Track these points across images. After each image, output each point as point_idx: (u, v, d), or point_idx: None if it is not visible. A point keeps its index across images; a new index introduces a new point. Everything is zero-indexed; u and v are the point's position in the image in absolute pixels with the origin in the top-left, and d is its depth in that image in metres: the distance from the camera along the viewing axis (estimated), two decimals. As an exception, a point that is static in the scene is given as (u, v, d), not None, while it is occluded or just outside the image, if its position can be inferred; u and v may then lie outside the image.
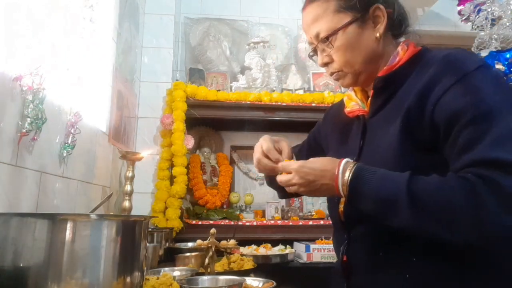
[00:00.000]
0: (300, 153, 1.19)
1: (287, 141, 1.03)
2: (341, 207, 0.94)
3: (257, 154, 0.99)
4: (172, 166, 2.26)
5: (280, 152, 0.99)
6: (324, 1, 0.90)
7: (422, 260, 0.80)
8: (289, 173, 0.85)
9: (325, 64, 0.94)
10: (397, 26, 0.93)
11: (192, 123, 2.46)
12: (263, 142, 0.99)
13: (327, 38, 0.89)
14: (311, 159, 0.84)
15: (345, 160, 0.81)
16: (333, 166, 0.80)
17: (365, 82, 0.94)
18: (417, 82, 0.82)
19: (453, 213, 0.69)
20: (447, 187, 0.70)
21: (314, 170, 0.81)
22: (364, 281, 0.88)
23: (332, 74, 0.95)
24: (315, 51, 0.96)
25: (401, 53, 0.88)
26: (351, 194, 0.78)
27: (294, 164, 0.84)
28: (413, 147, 0.80)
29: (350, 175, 0.78)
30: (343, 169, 0.79)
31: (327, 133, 1.12)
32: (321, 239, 2.07)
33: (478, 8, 1.76)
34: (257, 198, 2.57)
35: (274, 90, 2.50)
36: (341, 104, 1.08)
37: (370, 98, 0.93)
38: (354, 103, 0.97)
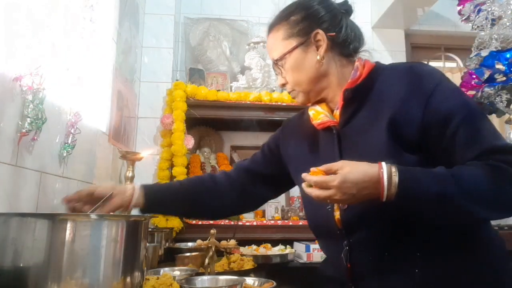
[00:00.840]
0: (254, 164, 1.24)
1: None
2: (337, 214, 0.95)
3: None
4: (172, 166, 2.26)
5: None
6: (276, 31, 1.04)
7: (427, 254, 0.87)
8: (327, 187, 0.81)
9: (283, 85, 1.06)
10: (344, 46, 1.01)
11: (192, 123, 2.46)
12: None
13: (278, 61, 1.02)
14: (349, 169, 0.81)
15: (384, 165, 0.80)
16: (374, 174, 0.80)
17: (315, 97, 1.04)
18: (392, 92, 0.91)
19: (499, 193, 0.79)
20: (477, 174, 0.79)
21: (357, 184, 0.80)
22: (376, 283, 0.92)
23: (289, 93, 1.07)
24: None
25: (360, 68, 0.98)
26: (402, 194, 0.79)
27: (335, 180, 0.80)
28: (401, 148, 0.87)
29: (397, 178, 0.79)
30: (388, 171, 0.79)
31: (288, 145, 1.16)
32: (321, 239, 2.07)
33: (478, 8, 1.76)
34: (257, 198, 2.57)
35: (274, 90, 2.50)
36: (301, 117, 1.17)
37: (339, 109, 0.99)
38: (323, 115, 1.02)
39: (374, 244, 0.91)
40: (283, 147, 1.18)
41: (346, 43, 1.02)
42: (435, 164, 0.84)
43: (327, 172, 0.82)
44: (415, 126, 0.87)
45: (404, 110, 0.88)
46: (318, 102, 1.05)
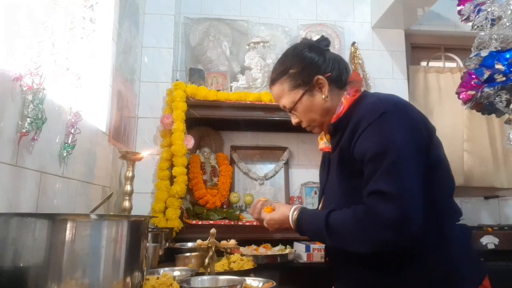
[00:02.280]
0: None
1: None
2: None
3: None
4: (172, 166, 2.25)
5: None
6: (280, 84, 1.21)
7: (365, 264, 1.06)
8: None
9: (297, 123, 1.26)
10: (339, 81, 1.18)
11: (192, 123, 2.46)
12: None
13: (290, 109, 1.22)
14: (275, 211, 1.21)
15: (293, 208, 1.16)
16: (286, 215, 1.16)
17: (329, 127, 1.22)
18: (350, 131, 1.08)
19: (352, 234, 0.99)
20: (347, 218, 1.00)
21: (278, 221, 1.19)
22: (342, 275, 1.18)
23: (305, 128, 1.26)
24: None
25: (344, 102, 1.14)
26: (298, 230, 1.14)
27: (265, 219, 1.22)
28: (348, 174, 1.08)
29: (295, 218, 1.13)
30: (291, 215, 1.14)
31: None
32: (321, 239, 2.07)
33: (478, 8, 1.75)
34: (257, 198, 2.56)
35: (274, 90, 2.49)
36: None
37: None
38: (323, 142, 1.25)
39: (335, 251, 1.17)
40: None
41: (340, 78, 1.18)
42: None
43: (272, 208, 1.23)
44: (349, 158, 1.06)
45: (348, 145, 1.06)
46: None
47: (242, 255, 1.54)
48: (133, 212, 1.52)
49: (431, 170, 1.02)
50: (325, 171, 1.23)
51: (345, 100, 1.14)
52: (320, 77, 1.15)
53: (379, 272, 1.03)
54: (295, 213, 1.13)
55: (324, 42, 1.23)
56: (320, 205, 1.22)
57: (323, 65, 1.17)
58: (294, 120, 1.25)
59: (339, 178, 1.11)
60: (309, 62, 1.17)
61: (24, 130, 1.08)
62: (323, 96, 1.16)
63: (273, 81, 1.24)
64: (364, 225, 0.96)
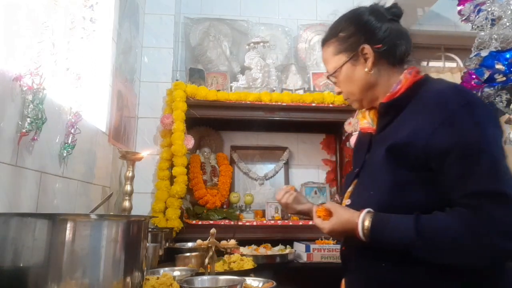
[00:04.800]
0: None
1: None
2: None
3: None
4: (172, 166, 2.25)
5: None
6: (327, 46, 1.12)
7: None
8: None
9: (339, 93, 1.15)
10: (391, 56, 1.05)
11: (192, 123, 2.46)
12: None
13: (331, 75, 1.12)
14: (335, 220, 0.99)
15: (362, 214, 0.94)
16: (353, 221, 0.95)
17: (369, 105, 1.11)
18: (412, 116, 0.96)
19: (455, 244, 0.84)
20: (448, 223, 0.85)
21: (341, 232, 1.00)
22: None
23: (345, 99, 1.16)
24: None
25: (403, 81, 1.02)
26: (373, 241, 0.93)
27: (325, 229, 1.01)
28: (397, 164, 0.94)
29: (368, 226, 0.93)
30: (362, 223, 0.93)
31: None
32: (321, 239, 2.07)
33: (478, 8, 1.75)
34: (257, 198, 2.57)
35: (274, 90, 2.50)
36: None
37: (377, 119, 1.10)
38: (366, 121, 1.13)
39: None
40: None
41: (393, 53, 1.05)
42: (435, 185, 0.90)
43: (327, 211, 1.02)
44: (418, 151, 0.91)
45: (412, 136, 0.92)
46: (372, 108, 1.13)
47: (242, 255, 1.54)
48: (133, 212, 1.52)
49: None
50: (363, 153, 1.10)
51: (404, 79, 1.02)
52: (367, 46, 1.04)
53: (418, 278, 0.90)
54: (367, 221, 0.93)
55: (394, 10, 1.09)
56: (351, 188, 1.09)
57: (377, 34, 1.04)
58: (336, 90, 1.15)
59: (390, 166, 0.95)
60: (361, 28, 1.06)
61: (24, 130, 1.08)
62: (366, 69, 1.04)
63: (323, 41, 1.14)
64: (479, 233, 0.82)
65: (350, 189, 1.09)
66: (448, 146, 0.87)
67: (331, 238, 2.01)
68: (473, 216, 0.83)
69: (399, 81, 1.02)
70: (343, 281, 1.11)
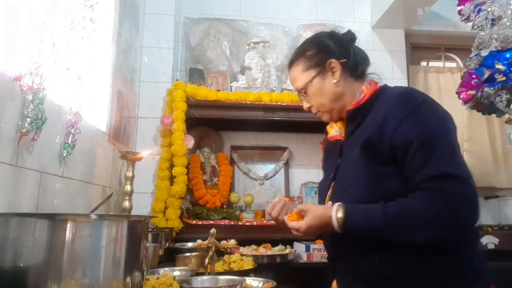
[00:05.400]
0: None
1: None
2: None
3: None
4: (172, 166, 2.25)
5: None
6: (295, 65, 1.24)
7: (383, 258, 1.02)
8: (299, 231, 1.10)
9: (308, 108, 1.25)
10: (354, 70, 1.20)
11: (192, 123, 2.46)
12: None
13: (302, 90, 1.22)
14: (311, 217, 1.06)
15: (334, 208, 1.04)
16: (327, 217, 1.04)
17: (338, 115, 1.23)
18: (377, 116, 1.07)
19: (427, 223, 0.94)
20: (413, 206, 0.96)
21: (317, 227, 1.06)
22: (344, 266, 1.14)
23: (315, 113, 1.26)
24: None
25: (365, 91, 1.16)
26: (347, 230, 1.03)
27: (302, 228, 1.07)
28: (373, 161, 1.04)
29: (341, 218, 1.02)
30: (335, 215, 1.03)
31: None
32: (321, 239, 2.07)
33: (478, 8, 1.75)
34: (257, 198, 2.57)
35: (274, 90, 2.50)
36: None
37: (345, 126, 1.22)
38: (334, 130, 1.25)
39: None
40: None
41: (355, 67, 1.19)
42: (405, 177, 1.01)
43: (300, 213, 1.09)
44: (386, 146, 1.02)
45: (380, 131, 1.04)
46: (339, 120, 1.24)
47: (242, 255, 1.54)
48: (133, 212, 1.52)
49: None
50: (335, 159, 1.20)
51: (366, 89, 1.16)
52: (334, 60, 1.18)
53: (398, 264, 1.00)
54: (340, 212, 1.02)
55: (348, 35, 1.26)
56: (329, 192, 1.17)
57: (339, 51, 1.19)
58: (305, 105, 1.26)
59: (364, 164, 1.05)
60: (325, 46, 1.21)
61: (24, 130, 1.08)
62: (335, 81, 1.17)
63: (291, 62, 1.27)
64: (442, 210, 0.93)
65: (329, 192, 1.17)
66: (412, 136, 0.99)
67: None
68: (434, 196, 0.93)
69: (361, 91, 1.16)
70: (334, 283, 1.19)
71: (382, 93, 1.14)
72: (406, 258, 0.98)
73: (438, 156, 0.95)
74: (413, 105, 1.03)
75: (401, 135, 1.00)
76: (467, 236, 1.00)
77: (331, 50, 1.20)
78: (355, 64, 1.20)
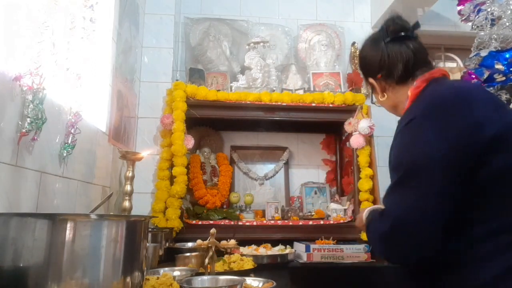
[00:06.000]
0: None
1: None
2: None
3: None
4: (172, 166, 2.25)
5: None
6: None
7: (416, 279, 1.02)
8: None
9: None
10: (391, 77, 1.12)
11: (192, 123, 2.46)
12: None
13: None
14: (359, 215, 1.17)
15: (367, 210, 1.10)
16: (362, 217, 1.11)
17: None
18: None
19: (373, 241, 1.02)
20: (371, 221, 1.03)
21: (361, 224, 1.13)
22: None
23: None
24: None
25: (409, 95, 1.07)
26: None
27: (356, 221, 1.21)
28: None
29: (366, 222, 1.08)
30: (366, 217, 1.08)
31: None
32: (321, 239, 2.07)
33: (478, 8, 1.76)
34: (257, 198, 2.57)
35: (274, 90, 2.50)
36: None
37: None
38: None
39: None
40: None
41: (391, 75, 1.12)
42: None
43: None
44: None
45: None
46: None
47: (242, 255, 1.54)
48: (133, 212, 1.52)
49: (492, 182, 0.86)
50: None
51: (410, 93, 1.06)
52: (370, 80, 1.19)
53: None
54: (367, 217, 1.08)
55: (392, 28, 1.17)
56: None
57: (375, 66, 1.16)
58: None
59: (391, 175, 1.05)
60: (364, 66, 1.23)
61: (24, 130, 1.08)
62: (380, 98, 1.19)
63: None
64: (373, 236, 1.01)
65: None
66: (391, 156, 0.99)
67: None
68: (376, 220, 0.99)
69: (407, 97, 1.07)
70: None
71: (422, 94, 1.03)
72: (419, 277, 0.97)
73: (390, 186, 0.94)
74: (402, 124, 0.97)
75: (391, 151, 1.00)
76: (472, 248, 0.87)
77: (365, 69, 1.22)
78: (389, 72, 1.12)
